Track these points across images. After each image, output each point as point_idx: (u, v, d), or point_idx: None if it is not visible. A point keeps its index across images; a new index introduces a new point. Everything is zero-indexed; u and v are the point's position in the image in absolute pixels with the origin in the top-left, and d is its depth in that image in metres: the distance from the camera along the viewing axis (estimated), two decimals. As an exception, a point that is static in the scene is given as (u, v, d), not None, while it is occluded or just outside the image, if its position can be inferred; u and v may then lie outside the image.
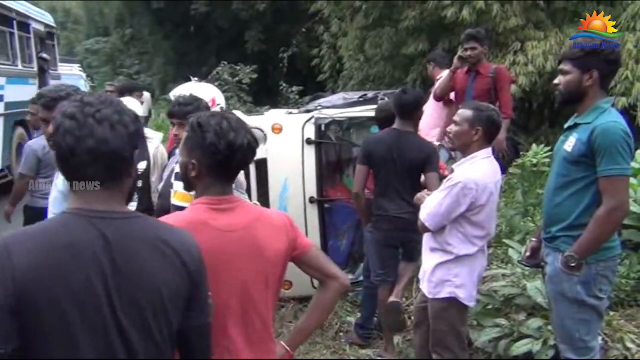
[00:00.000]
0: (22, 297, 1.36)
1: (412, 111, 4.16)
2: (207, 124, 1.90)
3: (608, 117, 2.68)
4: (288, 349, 2.10)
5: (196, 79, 4.05)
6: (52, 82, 10.75)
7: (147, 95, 10.10)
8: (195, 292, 1.59)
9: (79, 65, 24.30)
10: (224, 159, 1.89)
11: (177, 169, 2.70)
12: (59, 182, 3.08)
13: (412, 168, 4.05)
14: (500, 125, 3.21)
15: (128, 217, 1.54)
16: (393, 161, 4.08)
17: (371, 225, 4.29)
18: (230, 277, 1.88)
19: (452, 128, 3.26)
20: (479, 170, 3.13)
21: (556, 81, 2.88)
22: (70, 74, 18.56)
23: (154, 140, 4.40)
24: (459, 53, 5.19)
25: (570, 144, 2.75)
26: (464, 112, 3.21)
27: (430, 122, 5.24)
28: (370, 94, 6.09)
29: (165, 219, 1.90)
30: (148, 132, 4.37)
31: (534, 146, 6.67)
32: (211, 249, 1.76)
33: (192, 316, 1.60)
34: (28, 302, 1.36)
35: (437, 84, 5.49)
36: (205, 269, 1.63)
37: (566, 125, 2.88)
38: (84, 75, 21.31)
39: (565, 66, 2.81)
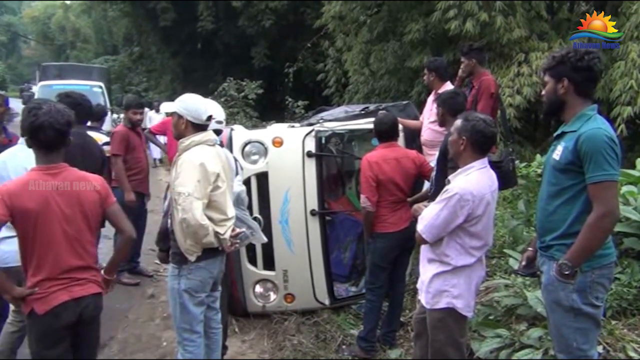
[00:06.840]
0: None
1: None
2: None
3: (593, 124, 2.68)
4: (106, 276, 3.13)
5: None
6: None
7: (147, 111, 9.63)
8: None
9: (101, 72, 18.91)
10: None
11: None
12: None
13: None
14: (490, 134, 3.18)
15: None
16: None
17: None
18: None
19: (450, 138, 3.29)
20: (474, 180, 3.12)
21: (543, 92, 2.93)
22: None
23: None
24: None
25: (558, 152, 2.76)
26: (456, 122, 3.24)
27: (433, 140, 5.17)
28: (372, 107, 6.10)
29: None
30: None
31: (538, 156, 6.66)
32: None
33: None
34: None
35: None
36: None
37: (555, 134, 2.89)
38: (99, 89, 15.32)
39: (544, 77, 2.88)
